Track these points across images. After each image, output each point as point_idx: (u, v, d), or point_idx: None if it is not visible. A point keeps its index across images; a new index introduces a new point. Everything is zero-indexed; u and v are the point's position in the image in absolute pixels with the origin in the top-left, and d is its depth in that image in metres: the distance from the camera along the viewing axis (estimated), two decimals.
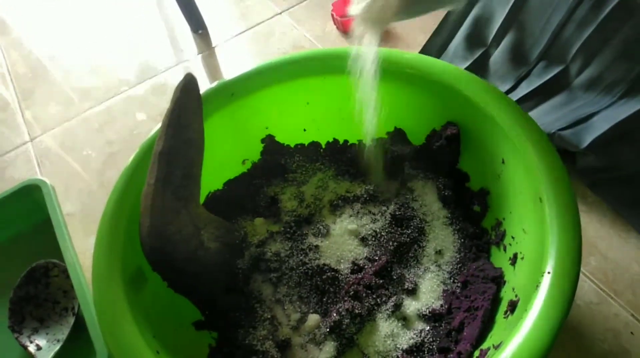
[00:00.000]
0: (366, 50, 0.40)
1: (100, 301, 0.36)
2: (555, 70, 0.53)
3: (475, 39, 0.59)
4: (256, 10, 0.83)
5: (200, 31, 0.80)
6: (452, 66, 0.43)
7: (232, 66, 0.76)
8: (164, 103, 0.71)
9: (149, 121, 0.71)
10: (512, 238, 0.40)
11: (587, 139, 0.48)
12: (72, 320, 0.49)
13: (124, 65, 0.80)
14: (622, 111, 0.47)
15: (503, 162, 0.40)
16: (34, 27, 0.91)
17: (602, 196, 0.51)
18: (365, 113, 0.42)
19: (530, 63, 0.55)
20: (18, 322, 0.51)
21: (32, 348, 0.49)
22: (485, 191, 0.44)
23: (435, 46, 0.63)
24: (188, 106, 0.40)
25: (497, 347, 0.32)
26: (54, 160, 0.69)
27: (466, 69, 0.51)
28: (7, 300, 0.52)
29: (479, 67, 0.59)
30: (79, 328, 0.48)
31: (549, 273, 0.32)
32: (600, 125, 0.48)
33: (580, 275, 0.32)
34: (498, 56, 0.57)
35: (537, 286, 0.32)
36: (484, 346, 0.35)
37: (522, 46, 0.55)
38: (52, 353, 0.47)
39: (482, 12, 0.59)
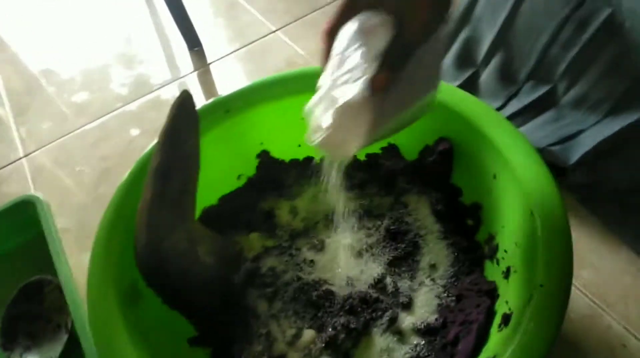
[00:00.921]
0: (333, 176, 0.37)
1: (95, 319, 0.36)
2: (543, 89, 0.54)
3: (465, 59, 0.61)
4: (251, 28, 0.84)
5: (196, 48, 0.81)
6: (445, 84, 0.44)
7: (227, 83, 0.77)
8: (159, 119, 0.71)
9: (143, 136, 0.71)
10: (505, 251, 0.40)
11: (575, 156, 0.49)
12: (65, 337, 0.49)
13: (119, 81, 0.80)
14: (607, 128, 0.48)
15: (494, 177, 0.41)
16: (30, 43, 0.91)
17: (592, 211, 0.52)
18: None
19: (519, 82, 0.56)
20: (10, 340, 0.50)
21: None
22: (478, 205, 0.45)
23: None
24: (184, 123, 0.40)
25: None
26: (48, 176, 0.69)
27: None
28: None
29: (470, 87, 0.60)
30: (72, 345, 0.47)
31: (541, 286, 0.32)
32: (587, 142, 0.49)
33: (573, 288, 0.33)
34: (487, 75, 0.59)
35: (530, 299, 0.32)
36: None
37: (510, 66, 0.57)
38: None
39: (471, 34, 0.60)
